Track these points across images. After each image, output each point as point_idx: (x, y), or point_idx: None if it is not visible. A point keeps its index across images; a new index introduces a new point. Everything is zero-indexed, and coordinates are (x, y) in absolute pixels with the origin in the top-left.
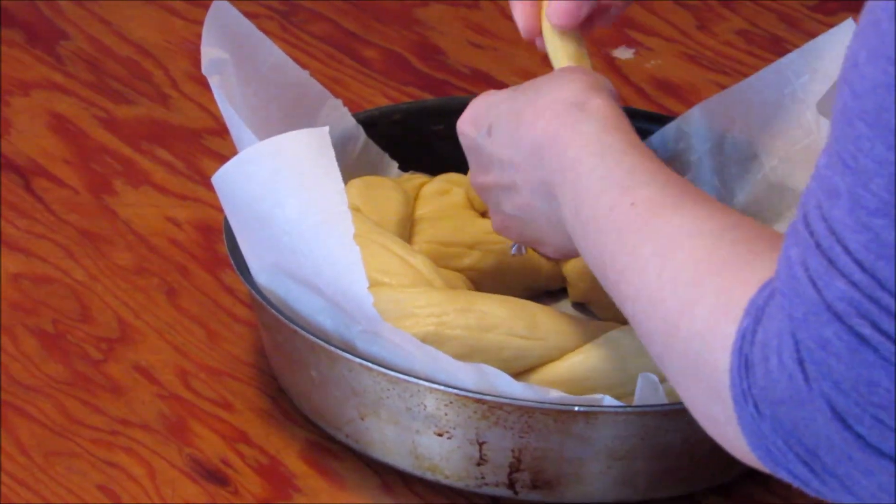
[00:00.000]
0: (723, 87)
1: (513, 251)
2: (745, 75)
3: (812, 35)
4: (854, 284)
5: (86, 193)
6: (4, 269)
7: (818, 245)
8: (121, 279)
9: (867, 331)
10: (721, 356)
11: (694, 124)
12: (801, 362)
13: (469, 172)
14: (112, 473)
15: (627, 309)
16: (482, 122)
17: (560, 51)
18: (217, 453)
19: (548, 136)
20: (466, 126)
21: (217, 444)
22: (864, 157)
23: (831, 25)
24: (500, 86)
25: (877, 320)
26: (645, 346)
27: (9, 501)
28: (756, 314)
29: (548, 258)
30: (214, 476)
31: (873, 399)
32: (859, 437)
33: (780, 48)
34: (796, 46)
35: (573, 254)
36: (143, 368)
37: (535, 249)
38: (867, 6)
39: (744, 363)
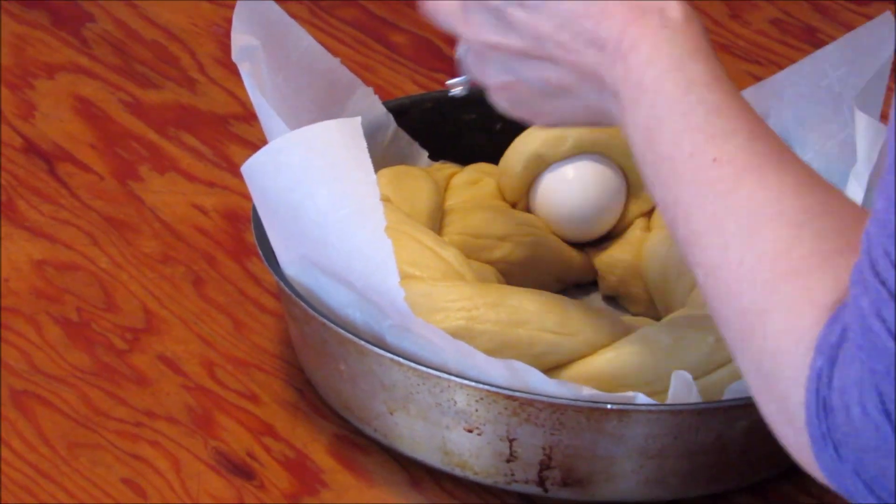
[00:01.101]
0: (756, 77)
1: (456, 91)
2: (779, 65)
3: (846, 25)
4: None
5: (111, 179)
6: (28, 255)
7: (892, 295)
8: (146, 267)
9: None
10: (792, 387)
11: None
12: (887, 414)
13: (461, 23)
14: (137, 466)
15: (698, 274)
16: None
17: None
18: (243, 446)
19: (622, 38)
20: None
21: (243, 436)
22: None
23: (865, 16)
24: None
25: None
26: (713, 318)
27: (32, 493)
28: (830, 355)
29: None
30: (240, 470)
31: None
32: None
33: (814, 38)
34: (830, 37)
35: (586, 122)
36: (169, 359)
37: (524, 118)
38: None
39: (822, 406)
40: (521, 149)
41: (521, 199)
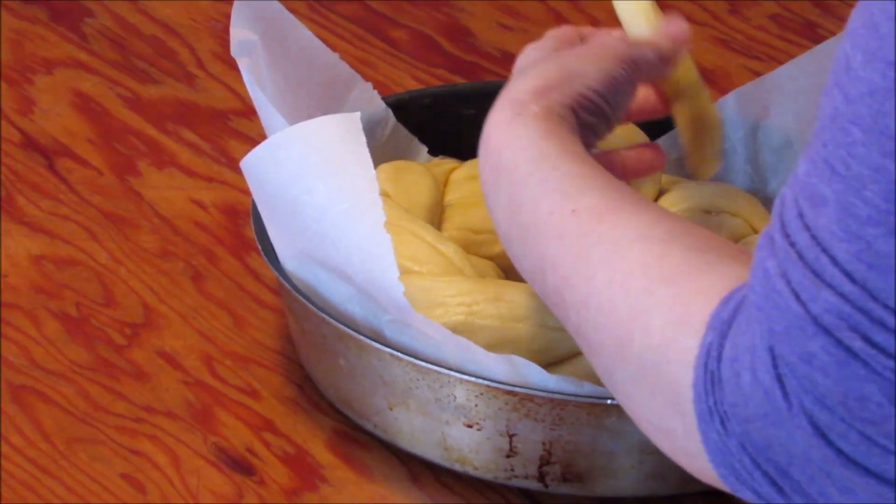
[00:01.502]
0: (755, 72)
1: None
2: (778, 60)
3: (845, 20)
4: (843, 296)
5: (110, 174)
6: (27, 250)
7: (801, 256)
8: (145, 262)
9: (858, 344)
10: (681, 370)
11: (728, 111)
12: (779, 378)
13: None
14: (136, 461)
15: (571, 318)
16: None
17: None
18: (243, 442)
19: (486, 132)
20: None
21: (243, 432)
22: (858, 164)
23: None
24: None
25: (868, 333)
26: (589, 359)
27: (32, 488)
28: (721, 328)
29: None
30: (240, 465)
31: (862, 414)
32: (841, 453)
33: (813, 33)
34: (830, 32)
35: None
36: (168, 354)
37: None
38: (858, 7)
39: (710, 379)
40: None
41: None
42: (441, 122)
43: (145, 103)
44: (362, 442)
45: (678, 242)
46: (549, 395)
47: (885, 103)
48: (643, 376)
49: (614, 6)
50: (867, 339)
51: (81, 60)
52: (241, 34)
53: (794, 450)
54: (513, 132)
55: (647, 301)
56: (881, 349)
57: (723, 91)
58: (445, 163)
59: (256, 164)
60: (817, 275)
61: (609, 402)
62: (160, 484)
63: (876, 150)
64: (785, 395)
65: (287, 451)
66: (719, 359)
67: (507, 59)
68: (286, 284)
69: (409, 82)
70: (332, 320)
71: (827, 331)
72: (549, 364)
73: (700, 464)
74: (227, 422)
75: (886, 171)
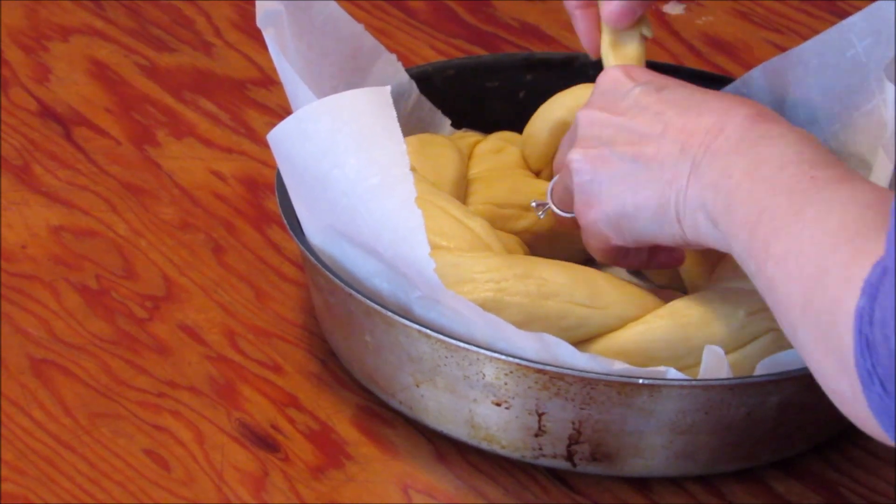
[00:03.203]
0: (776, 45)
1: (540, 213)
2: (799, 34)
3: None
4: None
5: (128, 144)
6: (46, 220)
7: None
8: (165, 234)
9: None
10: (846, 334)
11: (754, 87)
12: None
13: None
14: (159, 437)
15: (769, 269)
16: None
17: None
18: (267, 418)
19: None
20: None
21: (266, 408)
22: None
23: None
24: (549, 39)
25: None
26: (777, 315)
27: (53, 463)
28: (871, 293)
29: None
30: (264, 442)
31: None
32: None
33: (833, 6)
34: (850, 4)
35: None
36: (190, 328)
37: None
38: None
39: (865, 343)
40: (547, 116)
41: (545, 167)
42: (464, 95)
43: (162, 72)
44: (387, 419)
45: (882, 206)
46: (580, 373)
47: None
48: (820, 336)
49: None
50: None
51: (97, 28)
52: (266, 5)
53: None
54: (747, 130)
55: (831, 260)
56: None
57: (744, 64)
58: (469, 136)
59: (284, 138)
60: None
61: (641, 381)
62: (184, 460)
63: None
64: None
65: (312, 427)
66: (870, 322)
67: (526, 30)
68: (312, 259)
69: (427, 53)
70: (359, 296)
71: None
72: (579, 342)
73: (871, 424)
74: (250, 397)
75: None
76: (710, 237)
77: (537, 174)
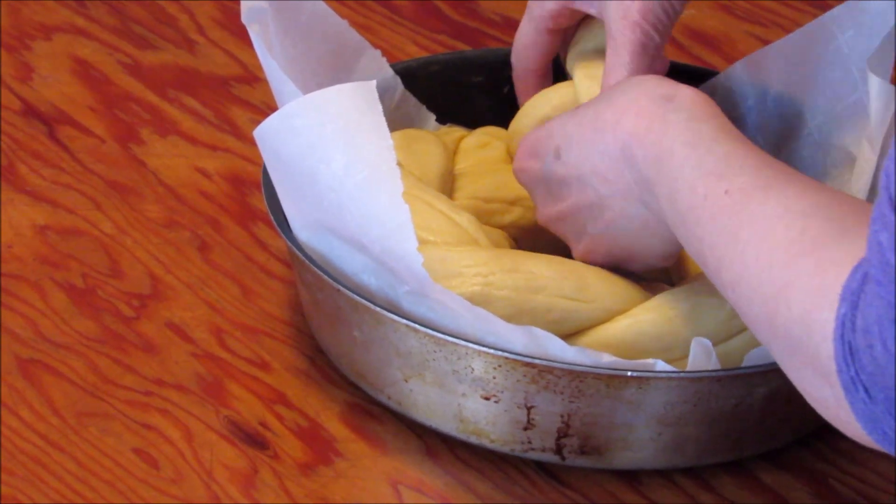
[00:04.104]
0: (759, 38)
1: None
2: (781, 27)
3: None
4: None
5: (112, 142)
6: (30, 220)
7: None
8: (151, 232)
9: None
10: (822, 342)
11: (736, 80)
12: None
13: (537, 211)
14: (148, 436)
15: (730, 297)
16: (544, 149)
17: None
18: (255, 415)
19: (637, 132)
20: (526, 160)
21: (255, 405)
22: None
23: None
24: None
25: None
26: (754, 334)
27: (42, 463)
28: (852, 300)
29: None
30: (253, 439)
31: None
32: None
33: None
34: None
35: (666, 261)
36: (177, 326)
37: (622, 266)
38: None
39: (848, 351)
40: (533, 112)
41: None
42: (449, 90)
43: (145, 70)
44: (376, 415)
45: (819, 214)
46: (569, 366)
47: None
48: (793, 349)
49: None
50: None
51: (80, 26)
52: (251, 2)
53: None
54: (666, 119)
55: (789, 275)
56: None
57: (727, 57)
58: (454, 131)
59: (270, 134)
60: None
61: (630, 373)
62: (173, 459)
63: None
64: None
65: (300, 424)
66: (853, 329)
67: (509, 25)
68: (300, 255)
69: (410, 48)
70: (347, 291)
71: None
72: (567, 335)
73: (855, 429)
74: (238, 395)
75: None
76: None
77: None
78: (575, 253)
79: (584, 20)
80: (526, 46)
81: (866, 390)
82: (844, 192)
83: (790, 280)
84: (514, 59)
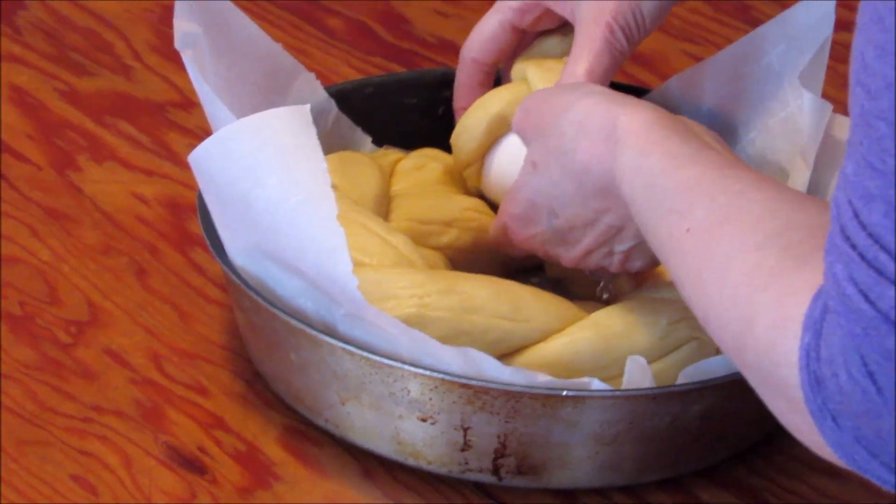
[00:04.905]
0: (692, 55)
1: (604, 296)
2: (714, 43)
3: (779, 1)
4: None
5: (49, 170)
6: None
7: (862, 257)
8: (88, 259)
9: None
10: (788, 372)
11: (670, 97)
12: (871, 375)
13: (562, 260)
14: (86, 463)
15: (707, 331)
16: (538, 214)
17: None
18: (193, 440)
19: (603, 178)
20: (525, 230)
21: (193, 430)
22: (890, 157)
23: None
24: None
25: None
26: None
27: None
28: (815, 329)
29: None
30: (191, 464)
31: None
32: None
33: (747, 15)
34: (764, 13)
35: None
36: (115, 352)
37: (624, 266)
38: (863, 2)
39: (814, 379)
40: (487, 109)
41: (475, 161)
42: (384, 112)
43: (82, 96)
44: (314, 438)
45: (774, 244)
46: (505, 387)
47: None
48: (762, 381)
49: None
50: None
51: (15, 54)
52: (184, 26)
53: None
54: (618, 163)
55: (750, 310)
56: None
57: (661, 75)
58: (391, 153)
59: (205, 158)
60: (880, 272)
61: (565, 393)
62: (112, 485)
63: None
64: (879, 391)
65: (238, 448)
66: (818, 359)
67: (444, 46)
68: (236, 279)
69: (345, 70)
70: (283, 315)
71: None
72: (503, 356)
73: (830, 454)
74: (176, 420)
75: None
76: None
77: (463, 183)
78: (616, 271)
79: (541, 34)
80: (484, 38)
81: (834, 419)
82: (799, 204)
83: (753, 314)
84: (465, 51)
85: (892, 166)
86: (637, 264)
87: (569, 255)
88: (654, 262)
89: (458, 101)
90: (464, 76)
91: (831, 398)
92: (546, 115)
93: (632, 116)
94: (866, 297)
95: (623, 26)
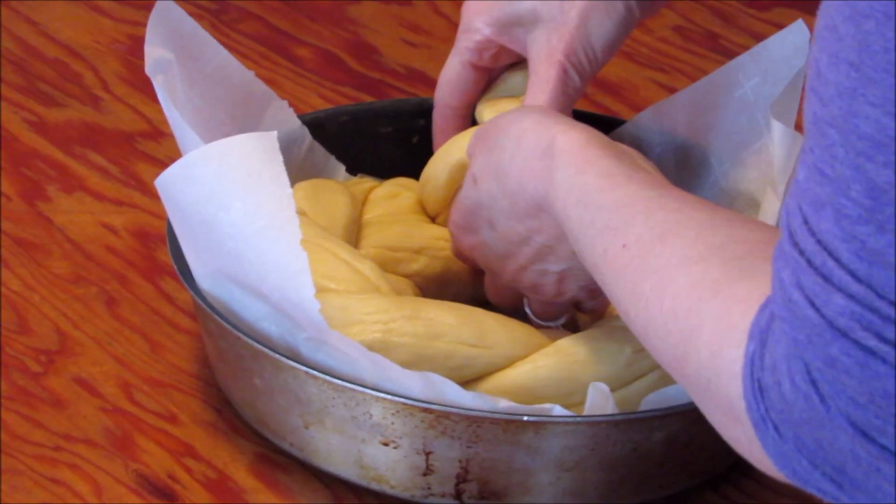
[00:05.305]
0: (662, 84)
1: (527, 311)
2: (682, 72)
3: (748, 31)
4: (852, 297)
5: (19, 200)
6: None
7: (810, 263)
8: (58, 289)
9: (873, 342)
10: (731, 382)
11: (644, 128)
12: (814, 383)
13: (500, 273)
14: (57, 491)
15: (645, 344)
16: (478, 225)
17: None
18: (164, 468)
19: (537, 196)
20: (465, 237)
21: (163, 458)
22: (840, 164)
23: (767, 21)
24: (436, 84)
25: (880, 331)
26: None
27: None
28: (760, 337)
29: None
30: (162, 492)
31: (892, 409)
32: (884, 448)
33: (716, 45)
34: (732, 42)
35: None
36: (85, 381)
37: (560, 288)
38: (822, 8)
39: (757, 388)
40: (446, 159)
41: (443, 210)
42: (358, 140)
43: (51, 127)
44: (283, 465)
45: (717, 257)
46: (466, 412)
47: (851, 104)
48: (702, 392)
49: None
50: (881, 337)
51: None
52: (155, 52)
53: (843, 449)
54: (552, 181)
55: (694, 321)
56: (894, 344)
57: (630, 104)
58: (364, 181)
59: (172, 183)
60: (826, 279)
61: (526, 418)
62: None
63: (851, 150)
64: (822, 399)
65: (209, 476)
66: (761, 367)
67: (413, 76)
68: (201, 303)
69: (315, 101)
70: (246, 338)
71: (843, 333)
72: (467, 381)
73: (769, 466)
74: (147, 448)
75: (864, 169)
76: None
77: (434, 218)
78: (553, 293)
79: (502, 75)
80: (449, 81)
81: (776, 428)
82: (740, 221)
83: (696, 325)
84: (437, 94)
85: (840, 173)
86: (572, 287)
87: (505, 269)
88: (593, 287)
89: (436, 146)
90: (439, 120)
91: (773, 407)
92: (490, 132)
93: (568, 135)
94: (812, 304)
95: (575, 63)
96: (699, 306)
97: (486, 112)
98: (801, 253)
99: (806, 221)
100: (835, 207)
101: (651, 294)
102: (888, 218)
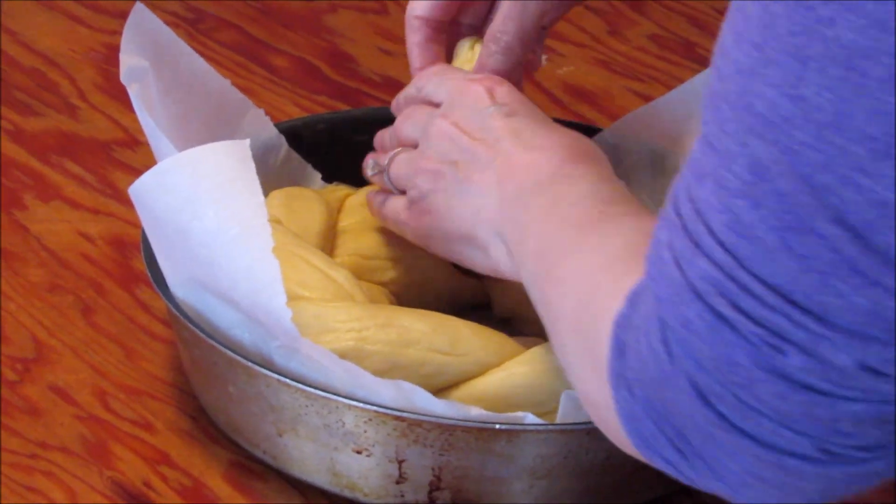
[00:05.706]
0: (638, 93)
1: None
2: (659, 81)
3: None
4: (715, 264)
5: None
6: None
7: (685, 227)
8: (34, 297)
9: (727, 310)
10: (605, 342)
11: (621, 137)
12: (665, 343)
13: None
14: (32, 499)
15: (548, 292)
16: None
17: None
18: (139, 476)
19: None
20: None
21: (139, 466)
22: (727, 138)
23: None
24: None
25: (736, 299)
26: (550, 337)
27: None
28: (633, 301)
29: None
30: (137, 499)
31: (734, 378)
32: (722, 416)
33: (692, 52)
34: (708, 51)
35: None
36: (61, 389)
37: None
38: None
39: (619, 347)
40: None
41: None
42: (334, 149)
43: (28, 136)
44: (258, 473)
45: (620, 256)
46: (438, 420)
47: (749, 82)
48: (584, 348)
49: None
50: (735, 306)
51: None
52: (131, 60)
53: (685, 412)
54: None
55: (602, 277)
56: (748, 315)
57: (607, 112)
58: (340, 189)
59: (145, 191)
60: (696, 244)
61: (498, 426)
62: None
63: (741, 126)
64: (671, 358)
65: (184, 483)
66: (627, 328)
67: (389, 84)
68: (175, 311)
69: (291, 109)
70: (220, 346)
71: (700, 297)
72: (440, 389)
73: (622, 436)
74: (122, 456)
75: (749, 145)
76: (506, 267)
77: None
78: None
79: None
80: None
81: (629, 388)
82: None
83: (600, 282)
84: (410, 11)
85: (726, 146)
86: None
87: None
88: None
89: (413, 63)
90: (414, 37)
91: (630, 366)
92: None
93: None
94: (678, 264)
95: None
96: (597, 275)
97: (463, 50)
98: (679, 216)
99: (688, 187)
100: (716, 179)
101: (589, 248)
102: (765, 194)
